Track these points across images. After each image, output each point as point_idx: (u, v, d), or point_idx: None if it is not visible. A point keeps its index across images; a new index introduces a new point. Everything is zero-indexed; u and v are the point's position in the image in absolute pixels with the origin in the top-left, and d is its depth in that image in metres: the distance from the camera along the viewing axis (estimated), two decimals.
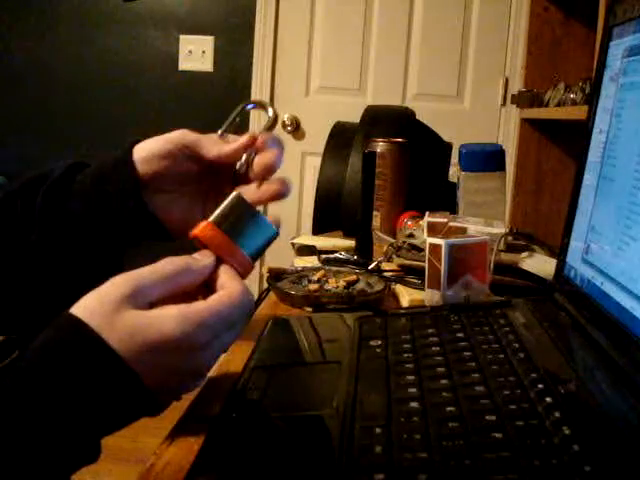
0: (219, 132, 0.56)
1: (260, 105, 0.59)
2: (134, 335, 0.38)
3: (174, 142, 0.55)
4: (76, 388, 0.37)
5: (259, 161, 0.54)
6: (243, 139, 0.54)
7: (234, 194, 0.48)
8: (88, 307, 0.39)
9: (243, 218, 0.47)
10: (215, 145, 0.55)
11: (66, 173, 0.56)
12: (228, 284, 0.44)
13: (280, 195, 0.54)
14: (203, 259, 0.45)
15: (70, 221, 0.55)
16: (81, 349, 0.37)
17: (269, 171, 0.54)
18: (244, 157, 0.55)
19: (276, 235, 0.49)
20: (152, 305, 0.41)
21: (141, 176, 0.55)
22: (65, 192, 0.55)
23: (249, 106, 0.58)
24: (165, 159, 0.55)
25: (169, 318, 0.39)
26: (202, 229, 0.46)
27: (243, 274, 0.46)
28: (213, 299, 0.42)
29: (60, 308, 0.40)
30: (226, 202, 0.47)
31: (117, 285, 0.40)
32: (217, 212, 0.47)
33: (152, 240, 0.57)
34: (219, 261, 0.46)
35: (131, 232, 0.56)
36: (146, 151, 0.55)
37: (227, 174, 0.56)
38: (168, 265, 0.42)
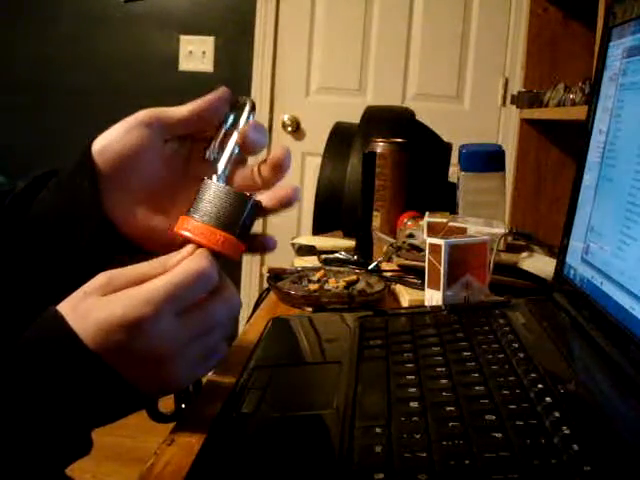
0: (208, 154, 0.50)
1: (239, 107, 0.53)
2: (88, 316, 0.39)
3: (132, 120, 0.50)
4: (45, 370, 0.38)
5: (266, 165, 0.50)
6: (213, 95, 0.51)
7: (203, 180, 0.47)
8: (67, 298, 0.41)
9: (215, 200, 0.46)
10: (181, 109, 0.51)
11: (29, 187, 0.52)
12: (185, 261, 0.43)
13: (289, 202, 0.51)
14: (181, 252, 0.44)
15: (29, 234, 0.51)
16: (48, 332, 0.40)
17: (276, 166, 0.50)
18: (217, 142, 0.50)
19: (255, 203, 0.47)
20: None
21: (102, 170, 0.50)
22: (25, 207, 0.51)
23: (230, 118, 0.51)
24: (125, 140, 0.50)
25: (118, 299, 0.40)
26: (177, 222, 0.46)
27: (230, 254, 0.45)
28: (162, 275, 0.41)
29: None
30: (197, 191, 0.47)
31: (94, 278, 0.42)
32: (192, 204, 0.47)
33: (122, 254, 0.53)
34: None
35: (95, 246, 0.51)
36: (105, 139, 0.50)
37: (197, 178, 0.51)
38: (146, 262, 0.43)
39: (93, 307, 0.40)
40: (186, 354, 0.41)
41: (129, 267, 0.42)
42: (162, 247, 0.49)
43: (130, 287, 0.41)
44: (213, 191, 0.46)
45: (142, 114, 0.50)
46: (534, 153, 2.21)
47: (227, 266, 0.45)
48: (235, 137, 0.51)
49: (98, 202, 0.49)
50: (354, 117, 1.45)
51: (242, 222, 0.46)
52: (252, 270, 2.69)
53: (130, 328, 0.39)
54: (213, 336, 0.43)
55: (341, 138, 1.43)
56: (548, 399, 0.44)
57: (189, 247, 0.44)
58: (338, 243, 1.14)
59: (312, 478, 0.39)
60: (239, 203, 0.46)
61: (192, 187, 0.49)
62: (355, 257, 1.03)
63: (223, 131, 0.51)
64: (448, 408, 0.43)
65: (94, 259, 0.51)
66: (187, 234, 0.45)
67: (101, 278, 0.41)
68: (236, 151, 0.51)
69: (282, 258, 1.13)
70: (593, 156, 0.66)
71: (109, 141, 0.50)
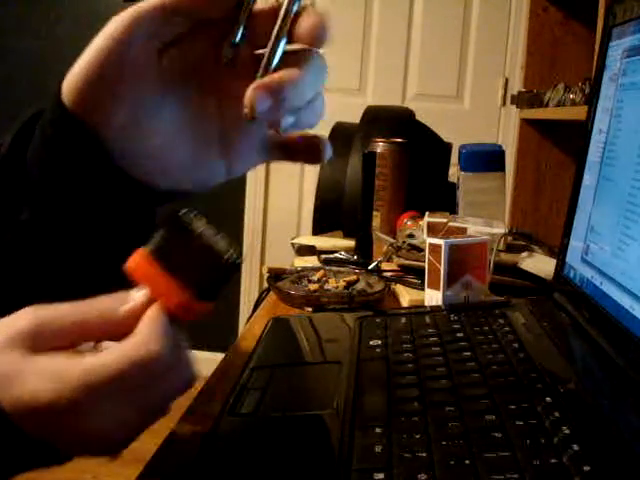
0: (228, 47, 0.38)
1: None
2: (12, 380, 0.33)
3: (100, 48, 0.37)
4: None
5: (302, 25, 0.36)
6: None
7: (176, 212, 0.36)
8: None
9: (184, 247, 0.36)
10: None
11: (14, 143, 0.41)
12: (136, 333, 0.34)
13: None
14: (131, 302, 0.35)
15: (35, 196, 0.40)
16: None
17: (313, 37, 0.36)
18: (238, 33, 0.37)
19: (235, 261, 0.36)
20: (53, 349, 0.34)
21: (89, 117, 0.37)
22: (19, 165, 0.40)
23: None
24: (101, 81, 0.37)
25: (47, 374, 0.33)
26: (132, 259, 0.36)
27: (189, 318, 0.36)
28: (105, 353, 0.34)
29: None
30: (163, 223, 0.37)
31: (20, 318, 0.34)
32: (156, 235, 0.36)
33: (166, 202, 0.43)
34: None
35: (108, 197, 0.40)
36: (77, 90, 0.37)
37: (227, 85, 0.40)
38: (86, 303, 0.35)
39: (18, 370, 0.33)
40: (123, 428, 0.35)
41: (62, 308, 0.35)
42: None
43: (65, 341, 0.34)
44: (184, 236, 0.36)
45: (112, 31, 0.36)
46: (534, 153, 2.21)
47: None
48: (279, 22, 0.36)
49: (106, 155, 0.39)
50: (354, 117, 1.45)
51: (213, 284, 0.37)
52: (252, 270, 2.70)
53: (58, 412, 0.33)
54: (159, 411, 0.36)
55: (341, 138, 1.43)
56: (548, 399, 0.44)
57: (141, 299, 0.35)
58: (338, 243, 1.14)
59: (312, 478, 0.39)
60: (214, 259, 0.36)
61: (223, 96, 0.40)
62: (355, 257, 1.03)
63: (246, 14, 0.37)
64: (448, 408, 0.43)
65: (124, 217, 0.41)
66: (140, 279, 0.36)
67: (28, 322, 0.34)
68: (281, 47, 0.37)
69: (282, 258, 1.13)
70: (593, 156, 0.66)
71: (83, 88, 0.37)
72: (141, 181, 0.40)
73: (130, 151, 0.39)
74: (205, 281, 0.36)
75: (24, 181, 0.40)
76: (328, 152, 0.42)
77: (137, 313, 0.35)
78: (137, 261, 0.36)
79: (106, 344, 0.36)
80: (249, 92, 0.35)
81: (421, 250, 0.93)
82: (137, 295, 0.36)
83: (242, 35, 0.37)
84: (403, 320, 0.64)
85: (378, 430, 0.41)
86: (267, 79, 0.36)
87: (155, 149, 0.40)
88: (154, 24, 0.36)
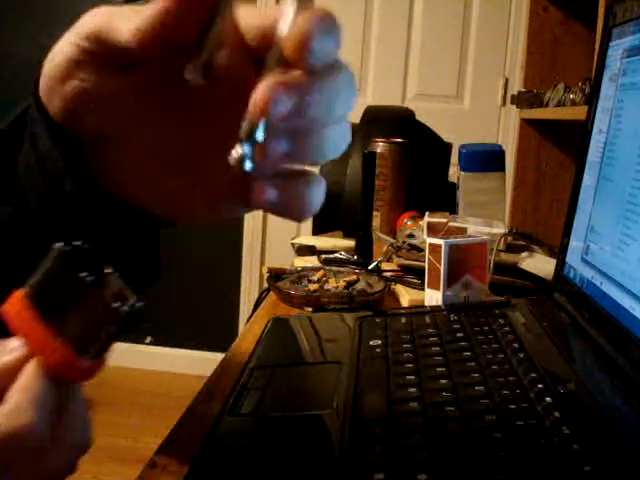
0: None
1: None
2: None
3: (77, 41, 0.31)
4: None
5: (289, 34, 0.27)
6: None
7: (56, 248, 0.29)
8: None
9: (71, 287, 0.29)
10: (124, 30, 0.29)
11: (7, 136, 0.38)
12: (7, 399, 0.29)
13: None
14: (8, 354, 0.30)
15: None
16: None
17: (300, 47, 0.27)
18: (204, 53, 0.28)
19: (129, 309, 0.29)
20: None
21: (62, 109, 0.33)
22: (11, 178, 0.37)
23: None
24: (75, 69, 0.32)
25: None
26: (9, 301, 0.30)
27: (71, 378, 0.30)
28: None
29: None
30: (46, 261, 0.29)
31: None
32: (37, 273, 0.30)
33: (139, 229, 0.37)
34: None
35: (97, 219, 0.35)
36: (47, 73, 0.33)
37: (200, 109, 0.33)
38: None
39: None
40: None
41: None
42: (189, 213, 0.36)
43: None
44: (67, 278, 0.29)
45: (76, 36, 0.31)
46: (534, 153, 2.21)
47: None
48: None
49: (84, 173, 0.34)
50: (354, 117, 1.45)
51: (100, 336, 0.30)
52: (252, 270, 2.69)
53: None
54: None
55: None
56: (548, 399, 0.44)
57: (18, 351, 0.30)
58: (338, 243, 1.14)
59: (312, 478, 0.39)
60: (103, 306, 0.29)
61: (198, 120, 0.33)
62: (355, 257, 1.03)
63: (216, 29, 0.28)
64: (448, 408, 0.43)
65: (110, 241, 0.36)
66: (16, 327, 0.29)
67: None
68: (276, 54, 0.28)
69: (282, 258, 1.13)
70: (593, 156, 0.66)
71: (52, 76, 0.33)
72: (118, 199, 0.35)
73: (101, 162, 0.35)
74: (91, 334, 0.29)
75: (13, 178, 0.37)
76: (314, 208, 0.33)
77: (15, 368, 0.30)
78: (13, 304, 0.30)
79: None
80: (262, 88, 0.26)
81: (421, 250, 0.93)
82: (15, 346, 0.30)
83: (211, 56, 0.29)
84: (403, 320, 0.64)
85: (378, 430, 0.41)
86: (288, 75, 0.27)
87: (121, 162, 0.34)
88: (121, 48, 0.30)
